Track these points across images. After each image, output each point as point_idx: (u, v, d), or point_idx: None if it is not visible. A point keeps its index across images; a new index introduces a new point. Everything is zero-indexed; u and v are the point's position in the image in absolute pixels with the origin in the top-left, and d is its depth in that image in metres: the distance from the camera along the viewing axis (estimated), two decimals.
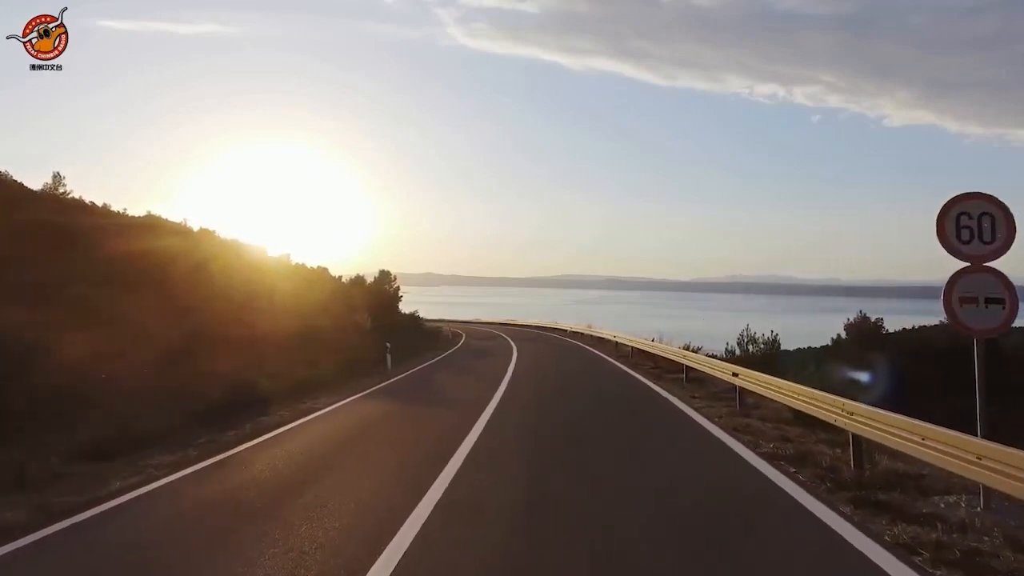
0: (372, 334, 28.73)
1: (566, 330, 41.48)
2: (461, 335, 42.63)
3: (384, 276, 44.87)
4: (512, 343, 31.49)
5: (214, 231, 24.74)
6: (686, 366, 13.88)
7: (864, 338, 28.72)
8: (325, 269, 36.12)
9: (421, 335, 36.80)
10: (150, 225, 22.28)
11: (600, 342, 28.87)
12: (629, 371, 16.77)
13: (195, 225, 23.97)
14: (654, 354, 17.90)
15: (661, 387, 13.03)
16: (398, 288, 45.80)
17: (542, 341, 33.70)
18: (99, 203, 22.10)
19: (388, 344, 19.71)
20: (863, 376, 12.42)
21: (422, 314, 75.94)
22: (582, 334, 35.67)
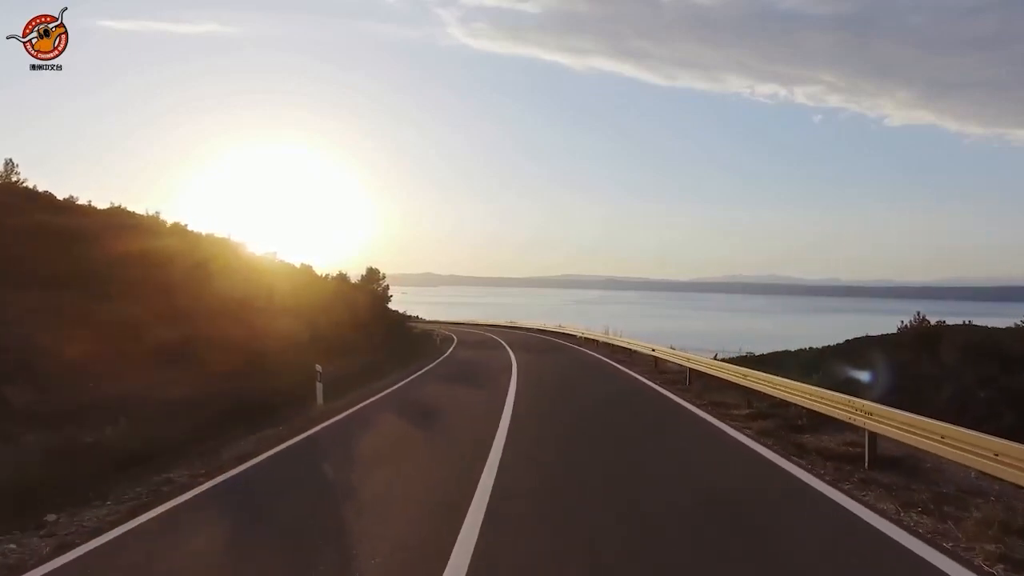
0: (325, 344, 21.97)
1: (575, 336, 34.52)
2: (451, 342, 35.69)
3: (372, 274, 39.24)
4: (511, 354, 24.52)
5: (185, 225, 23.42)
6: (868, 432, 6.78)
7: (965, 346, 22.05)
8: (309, 267, 32.34)
9: (404, 342, 29.95)
10: (112, 218, 21.17)
11: (624, 354, 21.87)
12: (721, 425, 9.74)
13: (167, 220, 22.80)
14: (745, 386, 10.86)
15: (852, 497, 5.94)
16: (387, 287, 40.11)
17: (549, 352, 26.68)
18: (63, 195, 21.45)
19: (319, 368, 12.70)
20: None
21: (421, 315, 69.75)
22: (597, 342, 28.69)
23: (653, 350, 18.00)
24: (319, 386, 12.61)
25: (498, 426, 9.27)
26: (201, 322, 18.24)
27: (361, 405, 12.47)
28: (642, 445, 8.30)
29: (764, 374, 10.03)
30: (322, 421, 10.64)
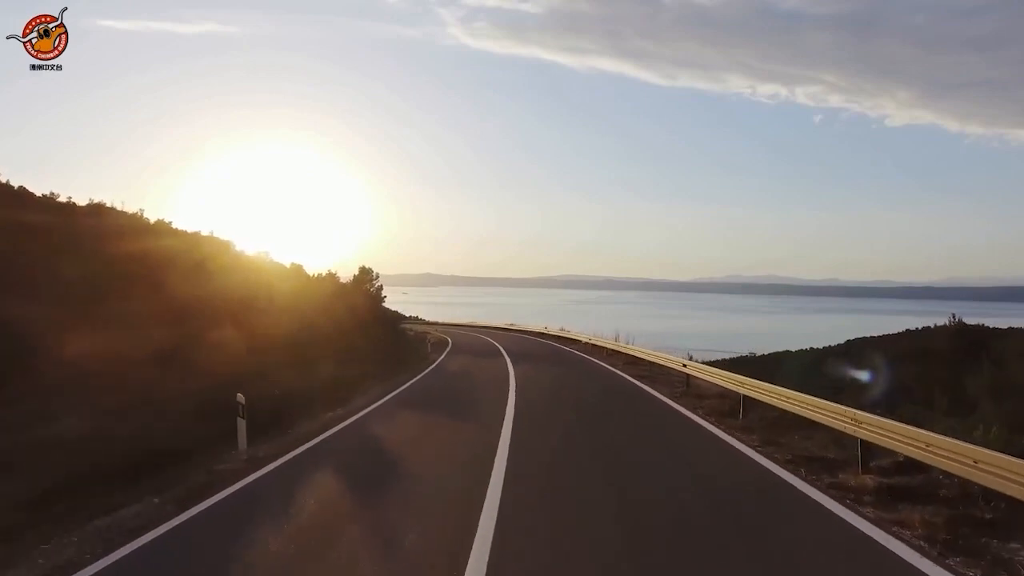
0: (303, 351, 18.66)
1: (580, 341, 31.05)
2: (444, 347, 32.36)
3: (364, 274, 35.69)
4: (509, 365, 21.11)
5: (169, 223, 22.81)
6: None
7: None
8: (300, 267, 30.31)
9: (392, 348, 26.46)
10: (84, 216, 20.08)
11: (642, 366, 18.33)
12: (847, 514, 6.16)
13: (151, 218, 22.02)
14: (855, 436, 7.30)
15: None
16: (380, 288, 36.52)
17: (552, 363, 23.23)
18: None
19: (240, 400, 9.15)
20: None
21: (420, 316, 66.41)
22: (606, 350, 25.22)
23: (684, 365, 14.45)
24: (241, 425, 9.10)
25: (483, 506, 5.78)
26: (162, 329, 14.97)
27: (298, 452, 8.95)
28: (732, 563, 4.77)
29: (900, 424, 6.48)
30: (227, 484, 7.14)
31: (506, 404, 12.59)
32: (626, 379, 16.95)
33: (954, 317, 43.55)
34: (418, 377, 18.78)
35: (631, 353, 21.42)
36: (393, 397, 14.44)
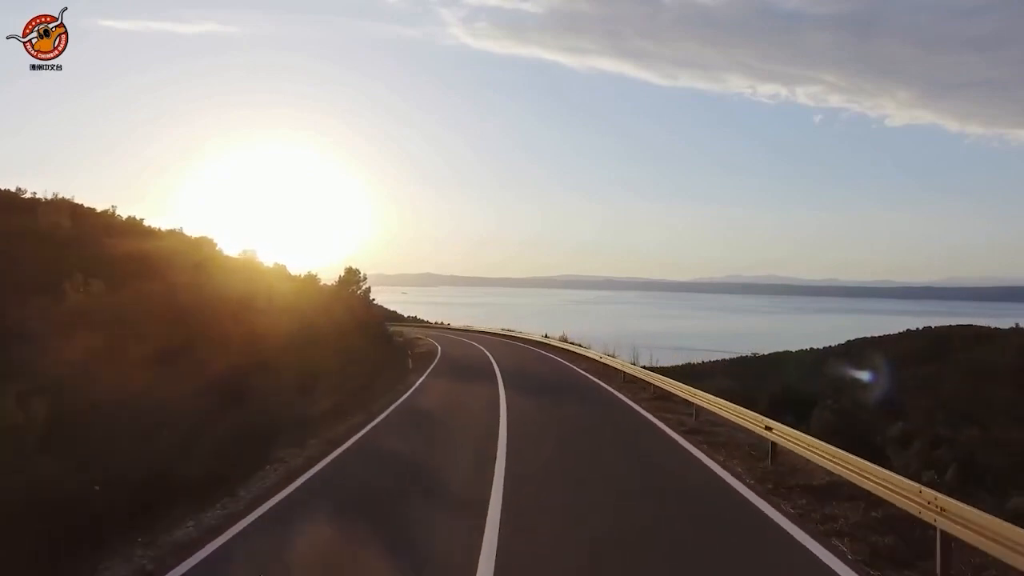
0: (250, 374, 13.76)
1: (584, 355, 26.09)
2: (429, 361, 27.56)
3: (351, 275, 32.70)
4: (502, 398, 16.16)
5: (141, 220, 21.93)
6: None
7: None
8: (283, 267, 28.45)
9: (364, 364, 21.38)
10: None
11: (677, 405, 13.18)
12: None
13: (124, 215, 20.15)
14: None
15: None
16: (368, 290, 33.93)
17: (558, 394, 18.16)
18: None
19: None
20: None
21: (420, 316, 61.70)
22: (623, 374, 20.17)
23: (769, 428, 9.27)
24: None
25: None
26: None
27: None
28: None
29: None
30: None
31: (492, 488, 7.53)
32: (668, 435, 11.77)
33: (1017, 326, 38.51)
34: (376, 421, 13.61)
35: (656, 383, 16.32)
36: (312, 477, 9.21)
